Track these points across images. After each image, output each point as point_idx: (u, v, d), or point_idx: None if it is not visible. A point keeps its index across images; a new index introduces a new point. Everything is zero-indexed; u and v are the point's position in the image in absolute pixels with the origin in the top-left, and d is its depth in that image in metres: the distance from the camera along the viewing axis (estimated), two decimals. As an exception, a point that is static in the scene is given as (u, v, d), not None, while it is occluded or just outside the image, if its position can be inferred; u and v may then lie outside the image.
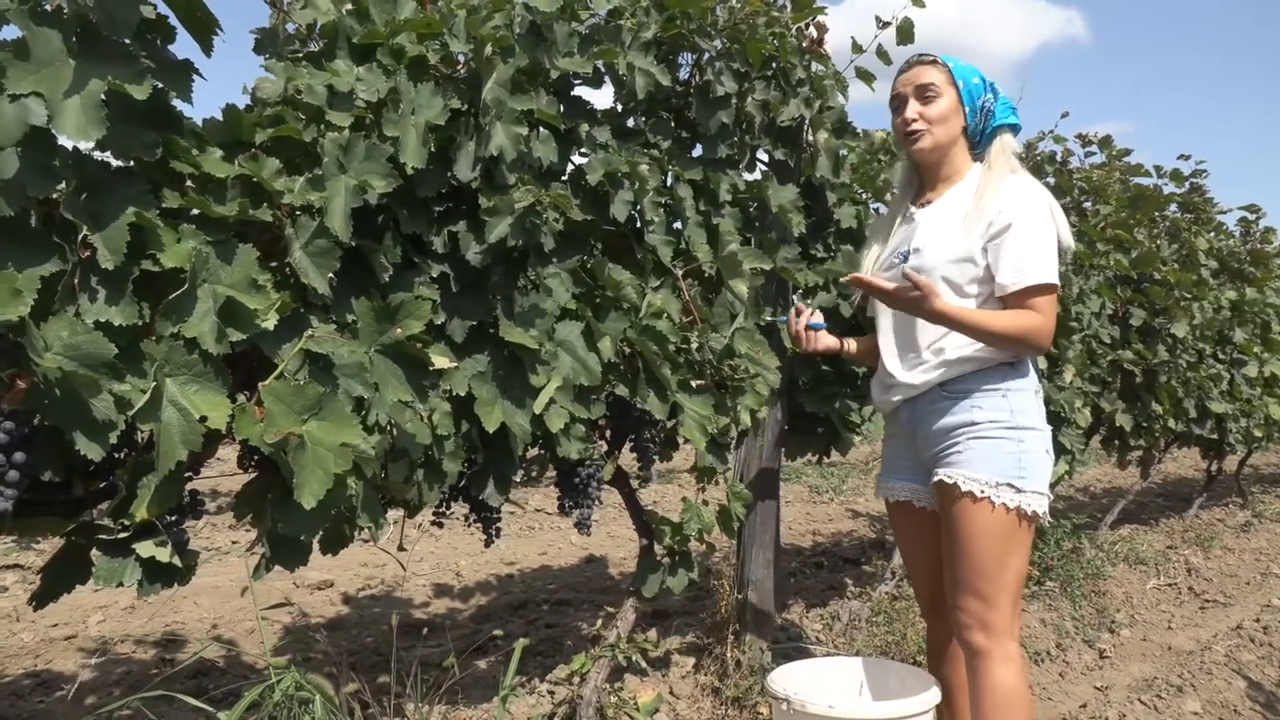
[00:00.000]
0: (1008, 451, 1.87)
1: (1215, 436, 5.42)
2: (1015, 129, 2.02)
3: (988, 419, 1.88)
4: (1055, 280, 1.86)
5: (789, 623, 3.53)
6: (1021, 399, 1.91)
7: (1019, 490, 1.85)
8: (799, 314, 2.14)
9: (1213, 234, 5.29)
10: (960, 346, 1.93)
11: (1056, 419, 3.68)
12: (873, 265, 2.11)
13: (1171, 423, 4.76)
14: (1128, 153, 4.80)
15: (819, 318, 2.15)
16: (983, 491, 1.84)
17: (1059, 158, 3.91)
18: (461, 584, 4.37)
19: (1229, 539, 5.81)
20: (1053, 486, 4.98)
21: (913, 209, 2.05)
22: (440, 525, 2.07)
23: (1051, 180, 3.80)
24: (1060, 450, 3.71)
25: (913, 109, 1.97)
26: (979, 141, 2.03)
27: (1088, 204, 4.15)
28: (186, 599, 3.91)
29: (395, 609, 3.88)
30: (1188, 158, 5.19)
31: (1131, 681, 3.30)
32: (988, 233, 1.88)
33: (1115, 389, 4.40)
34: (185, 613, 3.74)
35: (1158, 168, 4.70)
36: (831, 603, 3.77)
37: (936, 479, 1.93)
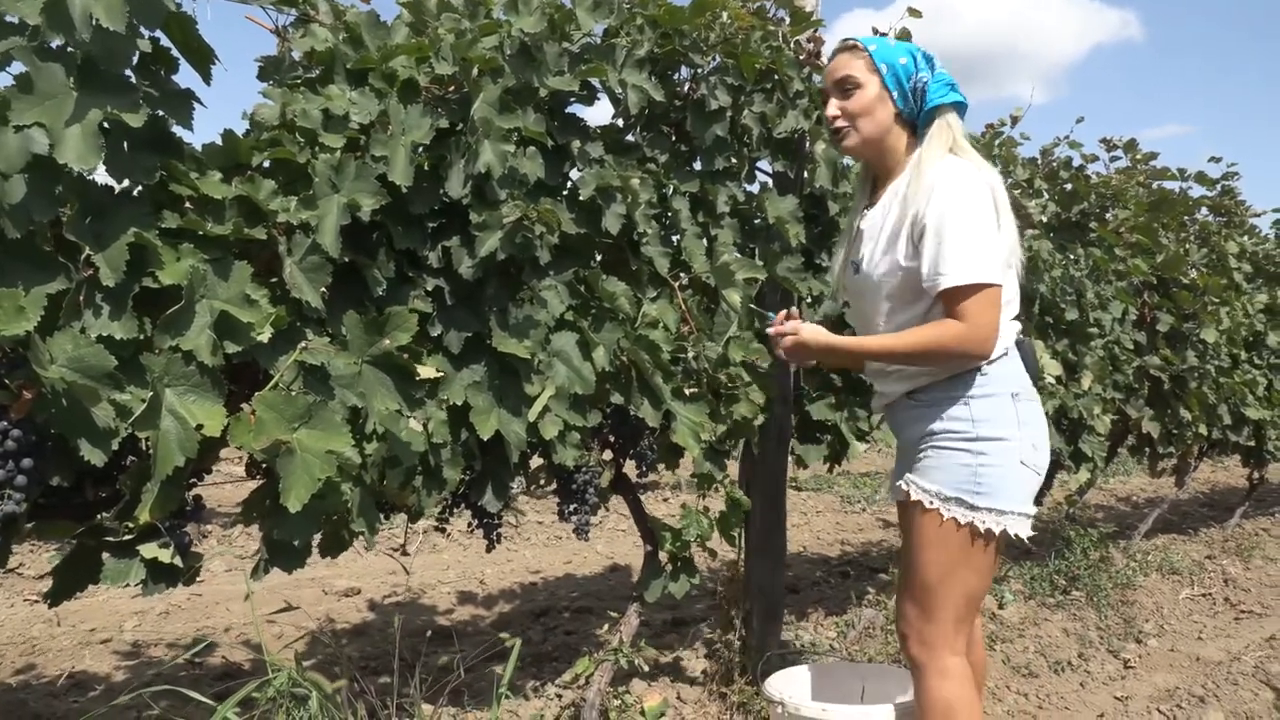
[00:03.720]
0: (962, 464, 1.74)
1: (1253, 443, 5.31)
2: (960, 107, 1.85)
3: (945, 429, 1.77)
4: (979, 279, 1.66)
5: (805, 629, 3.54)
6: (986, 407, 1.75)
7: (971, 507, 1.72)
8: (787, 319, 1.94)
9: (1245, 237, 5.19)
10: None
11: (1076, 425, 3.65)
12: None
13: (1203, 429, 4.67)
14: (1154, 156, 4.74)
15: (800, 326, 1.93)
16: (931, 503, 1.75)
17: (1076, 163, 3.88)
18: (485, 592, 4.44)
19: (1272, 549, 5.66)
20: (1080, 493, 4.95)
21: (862, 214, 1.94)
22: (443, 531, 2.13)
23: (1069, 187, 3.78)
24: (1080, 457, 3.67)
25: (832, 107, 1.86)
26: (920, 124, 1.85)
27: (1110, 212, 4.10)
28: (219, 605, 4.03)
29: (419, 616, 3.96)
30: (1218, 160, 5.11)
31: (1154, 692, 3.25)
32: (912, 234, 1.75)
33: (1142, 395, 4.34)
34: (217, 618, 3.86)
35: (1181, 170, 4.64)
36: (850, 610, 3.77)
37: (899, 484, 1.87)
